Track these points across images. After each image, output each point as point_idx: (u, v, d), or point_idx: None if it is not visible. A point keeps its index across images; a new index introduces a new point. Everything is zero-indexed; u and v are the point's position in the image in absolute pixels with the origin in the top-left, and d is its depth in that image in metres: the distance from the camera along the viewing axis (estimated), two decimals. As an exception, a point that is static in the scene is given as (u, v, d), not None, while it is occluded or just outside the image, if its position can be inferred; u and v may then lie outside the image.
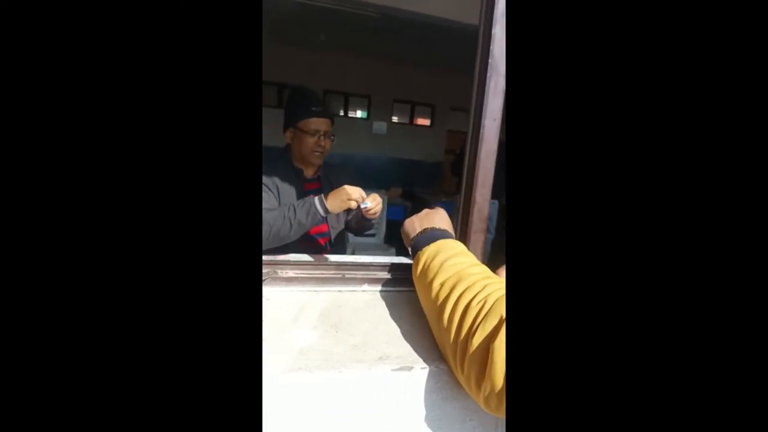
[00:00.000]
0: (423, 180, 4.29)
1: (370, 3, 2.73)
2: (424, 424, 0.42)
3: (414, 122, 5.79)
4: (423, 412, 0.42)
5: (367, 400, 0.40)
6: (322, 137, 1.16)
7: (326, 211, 0.98)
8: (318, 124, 1.15)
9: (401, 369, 0.41)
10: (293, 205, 1.00)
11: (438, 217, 0.57)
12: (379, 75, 5.23)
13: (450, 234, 0.54)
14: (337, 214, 1.15)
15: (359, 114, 5.50)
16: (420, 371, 0.41)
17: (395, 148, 5.57)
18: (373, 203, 1.00)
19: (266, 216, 1.01)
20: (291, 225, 0.98)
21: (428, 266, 0.47)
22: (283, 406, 0.38)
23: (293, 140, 1.18)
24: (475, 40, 0.60)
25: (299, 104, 1.19)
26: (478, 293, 0.39)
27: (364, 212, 1.01)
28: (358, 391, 0.40)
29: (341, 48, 4.59)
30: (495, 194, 0.64)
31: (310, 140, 1.15)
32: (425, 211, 0.60)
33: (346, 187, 0.97)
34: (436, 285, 0.44)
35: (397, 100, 5.56)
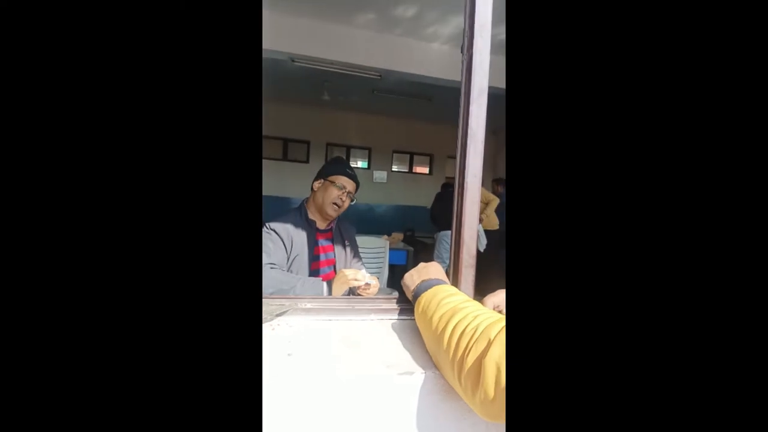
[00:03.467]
0: (424, 224, 4.46)
1: (368, 66, 3.04)
2: (425, 421, 0.51)
3: (413, 170, 6.07)
4: (423, 410, 0.51)
5: (376, 399, 0.50)
6: (345, 194, 1.35)
7: (330, 293, 1.12)
8: (346, 182, 1.36)
9: (404, 373, 0.51)
10: (302, 282, 1.15)
11: (433, 269, 0.70)
12: (379, 128, 5.57)
13: (444, 281, 0.66)
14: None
15: (360, 164, 5.79)
16: (419, 375, 0.52)
17: (396, 195, 5.80)
18: (372, 284, 1.14)
19: (272, 274, 1.16)
20: (292, 292, 1.12)
21: (427, 306, 0.58)
22: (307, 404, 0.48)
23: (319, 189, 1.37)
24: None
25: (336, 164, 1.41)
26: (470, 322, 0.49)
27: (361, 291, 1.14)
28: (369, 391, 0.50)
29: (343, 105, 4.96)
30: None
31: (335, 192, 1.33)
32: (421, 264, 0.72)
33: (346, 271, 1.13)
34: (435, 319, 0.54)
35: (397, 151, 5.88)
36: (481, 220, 3.82)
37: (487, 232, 3.80)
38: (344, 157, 1.37)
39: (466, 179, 0.73)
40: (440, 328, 0.52)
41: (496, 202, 3.97)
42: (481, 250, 3.38)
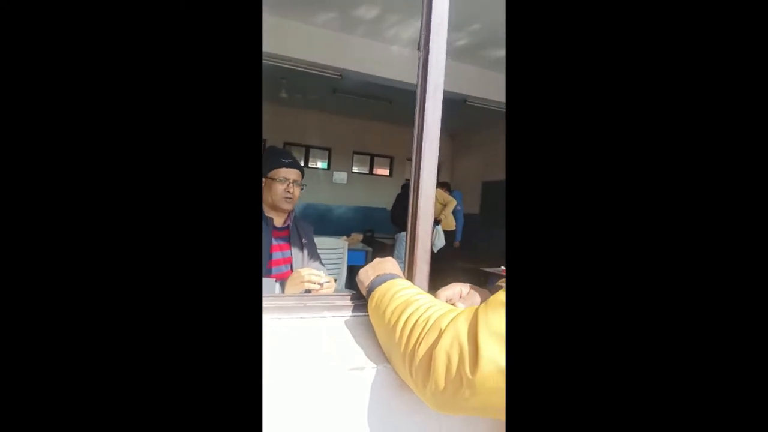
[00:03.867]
0: (384, 225, 4.47)
1: (328, 65, 3.01)
2: (377, 416, 0.50)
3: (374, 172, 6.08)
4: (375, 405, 0.50)
5: (326, 395, 0.48)
6: (291, 185, 1.29)
7: (282, 293, 1.06)
8: (287, 173, 1.29)
9: (356, 369, 0.50)
10: None
11: (389, 264, 0.69)
12: (339, 129, 5.53)
13: (399, 275, 0.66)
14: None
15: (320, 165, 5.71)
16: (371, 370, 0.51)
17: (356, 196, 5.77)
18: (327, 284, 1.05)
19: None
20: None
21: (381, 300, 0.57)
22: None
23: (264, 188, 1.30)
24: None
25: (271, 157, 1.33)
26: (422, 314, 0.49)
27: (316, 293, 1.06)
28: (319, 387, 0.48)
29: (301, 104, 4.87)
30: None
31: (280, 187, 1.28)
32: (376, 260, 0.71)
33: (302, 271, 1.05)
34: (388, 312, 0.53)
35: (357, 152, 5.86)
36: (439, 221, 3.90)
37: (444, 232, 3.89)
38: (282, 148, 1.29)
39: (421, 174, 0.74)
40: (393, 321, 0.51)
41: (453, 203, 4.07)
42: (435, 251, 3.45)
